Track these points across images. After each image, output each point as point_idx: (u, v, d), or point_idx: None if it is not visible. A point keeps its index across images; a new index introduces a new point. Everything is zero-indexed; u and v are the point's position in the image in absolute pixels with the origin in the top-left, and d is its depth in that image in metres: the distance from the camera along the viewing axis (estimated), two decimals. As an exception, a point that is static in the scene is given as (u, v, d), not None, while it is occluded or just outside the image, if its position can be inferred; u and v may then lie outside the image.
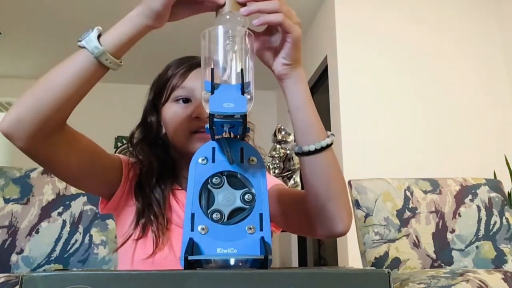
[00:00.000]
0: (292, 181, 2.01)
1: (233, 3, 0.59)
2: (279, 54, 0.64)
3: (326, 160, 0.67)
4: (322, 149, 0.66)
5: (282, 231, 0.97)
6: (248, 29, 0.59)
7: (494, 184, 1.56)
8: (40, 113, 0.62)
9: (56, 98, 0.63)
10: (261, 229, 0.50)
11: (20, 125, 0.62)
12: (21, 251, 1.23)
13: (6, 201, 1.26)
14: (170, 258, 0.80)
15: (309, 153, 0.66)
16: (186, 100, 0.85)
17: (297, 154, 0.68)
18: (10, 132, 0.63)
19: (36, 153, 0.67)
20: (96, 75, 0.64)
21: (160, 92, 0.89)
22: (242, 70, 0.52)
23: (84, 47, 0.62)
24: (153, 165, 0.86)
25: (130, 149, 0.90)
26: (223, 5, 0.59)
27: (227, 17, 0.58)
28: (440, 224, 1.45)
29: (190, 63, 0.87)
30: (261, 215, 0.51)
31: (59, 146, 0.69)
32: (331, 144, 0.67)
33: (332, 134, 0.68)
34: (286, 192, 0.84)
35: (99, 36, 0.62)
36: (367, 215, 1.41)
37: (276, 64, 0.65)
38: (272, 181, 0.89)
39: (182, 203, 0.86)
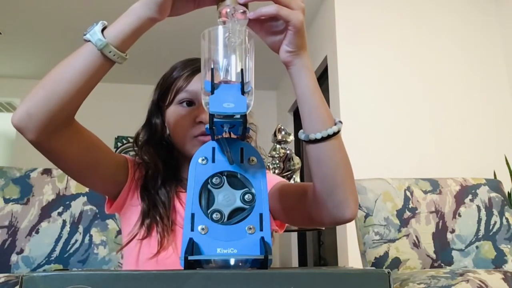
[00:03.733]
0: (292, 181, 2.01)
1: None
2: (283, 41, 0.63)
3: (333, 148, 0.66)
4: (329, 137, 0.65)
5: (285, 231, 0.97)
6: (249, 26, 0.59)
7: (494, 184, 1.56)
8: (48, 107, 0.63)
9: (64, 91, 0.64)
10: (261, 229, 0.50)
11: (30, 119, 0.64)
12: (21, 251, 1.23)
13: (6, 201, 1.26)
14: (173, 257, 0.81)
15: (316, 141, 0.65)
16: (190, 103, 0.86)
17: (304, 141, 0.68)
18: (21, 125, 0.64)
19: (46, 146, 0.68)
20: (102, 68, 0.64)
21: (164, 93, 0.90)
22: (242, 70, 0.52)
23: (89, 40, 0.63)
24: (159, 166, 0.87)
25: (136, 149, 0.91)
26: None
27: (228, 10, 0.58)
28: (440, 224, 1.45)
29: (195, 66, 0.88)
30: (261, 215, 0.51)
31: (68, 141, 0.70)
32: (338, 131, 0.66)
33: (340, 122, 0.67)
34: (288, 186, 0.85)
35: (104, 30, 0.63)
36: (367, 215, 1.41)
37: (280, 52, 0.64)
38: (274, 179, 0.90)
39: None
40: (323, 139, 0.65)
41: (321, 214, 0.72)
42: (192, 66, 0.88)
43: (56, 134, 0.67)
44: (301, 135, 0.68)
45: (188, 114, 0.85)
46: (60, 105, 0.64)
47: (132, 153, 0.93)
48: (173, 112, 0.87)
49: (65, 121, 0.67)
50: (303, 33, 0.62)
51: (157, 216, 0.83)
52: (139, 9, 0.63)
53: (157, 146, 0.90)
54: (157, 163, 0.87)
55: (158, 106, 0.91)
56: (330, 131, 0.65)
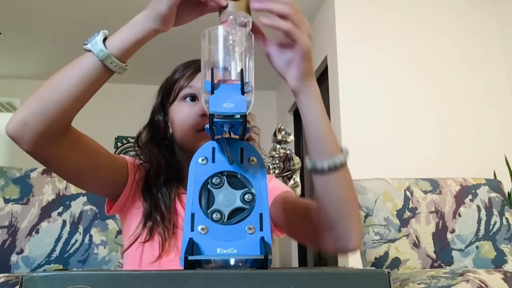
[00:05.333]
0: (292, 181, 2.01)
1: (236, 4, 0.58)
2: (291, 66, 0.62)
3: (339, 179, 0.65)
4: (336, 168, 0.64)
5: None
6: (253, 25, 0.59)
7: (494, 184, 1.56)
8: (45, 116, 0.63)
9: (61, 101, 0.63)
10: (261, 229, 0.50)
11: (25, 128, 0.63)
12: (21, 251, 1.23)
13: (6, 201, 1.26)
14: (176, 261, 0.81)
15: (322, 172, 0.64)
16: (193, 99, 0.87)
17: (310, 171, 0.67)
18: (16, 135, 0.63)
19: (42, 155, 0.67)
20: (101, 78, 0.64)
21: (167, 93, 0.90)
22: (242, 70, 0.52)
23: (89, 50, 0.62)
24: (162, 165, 0.87)
25: (137, 149, 0.90)
26: (226, 6, 0.59)
27: (230, 16, 0.58)
28: (440, 224, 1.45)
29: (198, 65, 0.88)
30: (261, 215, 0.51)
31: (64, 148, 0.69)
32: (345, 162, 0.65)
33: (347, 151, 0.66)
34: (293, 201, 0.83)
35: (105, 40, 0.63)
36: (367, 215, 1.41)
37: (289, 77, 0.63)
38: (279, 188, 0.89)
39: None
40: (330, 170, 0.64)
41: (323, 241, 0.71)
42: (194, 65, 0.89)
43: (52, 143, 0.66)
44: (308, 163, 0.67)
45: (191, 108, 0.86)
46: (57, 114, 0.63)
47: (132, 153, 0.92)
48: (177, 107, 0.88)
49: (61, 129, 0.66)
50: (311, 59, 0.62)
51: (158, 216, 0.83)
52: (144, 21, 0.63)
53: (160, 145, 0.90)
54: (160, 161, 0.87)
55: (162, 105, 0.92)
56: (338, 160, 0.64)
